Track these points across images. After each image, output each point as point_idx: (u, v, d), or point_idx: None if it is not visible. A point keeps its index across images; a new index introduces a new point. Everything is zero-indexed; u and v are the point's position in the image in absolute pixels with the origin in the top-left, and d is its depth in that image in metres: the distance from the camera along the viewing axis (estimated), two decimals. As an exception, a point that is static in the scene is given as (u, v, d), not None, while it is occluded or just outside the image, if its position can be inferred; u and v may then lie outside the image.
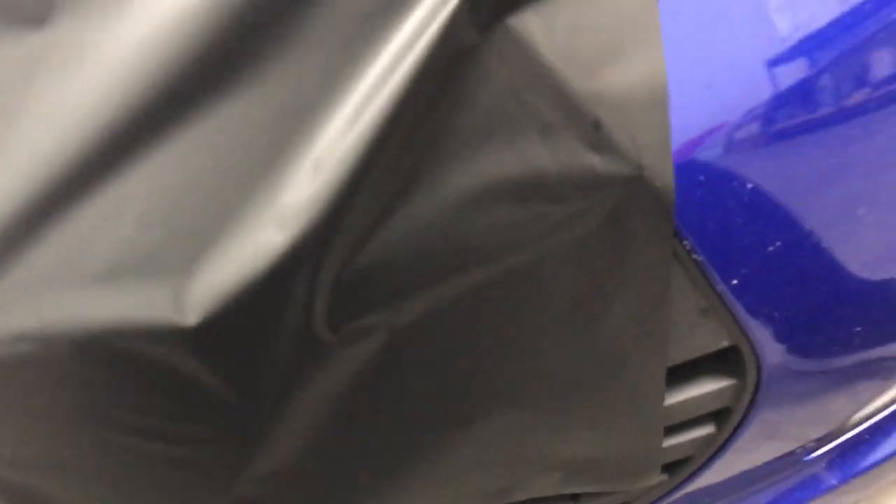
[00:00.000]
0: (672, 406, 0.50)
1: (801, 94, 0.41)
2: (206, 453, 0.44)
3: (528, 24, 0.36)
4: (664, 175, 0.38)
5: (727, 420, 0.52)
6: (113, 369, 0.40)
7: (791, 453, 0.58)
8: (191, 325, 0.38)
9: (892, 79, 0.42)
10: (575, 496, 0.57)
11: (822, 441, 0.58)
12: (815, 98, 0.41)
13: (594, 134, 0.37)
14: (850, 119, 0.42)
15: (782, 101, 0.40)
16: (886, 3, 0.40)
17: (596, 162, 0.38)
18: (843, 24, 0.40)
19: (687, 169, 0.39)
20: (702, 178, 0.40)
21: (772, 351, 0.47)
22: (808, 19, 0.40)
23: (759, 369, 0.48)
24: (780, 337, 0.46)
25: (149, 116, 0.36)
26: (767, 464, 0.59)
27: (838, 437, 0.59)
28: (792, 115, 0.41)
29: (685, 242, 0.41)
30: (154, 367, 0.40)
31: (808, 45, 0.40)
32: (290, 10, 0.36)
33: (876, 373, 0.54)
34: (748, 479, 0.61)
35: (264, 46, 0.36)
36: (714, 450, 0.54)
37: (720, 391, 0.50)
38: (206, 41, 0.36)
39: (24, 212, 0.37)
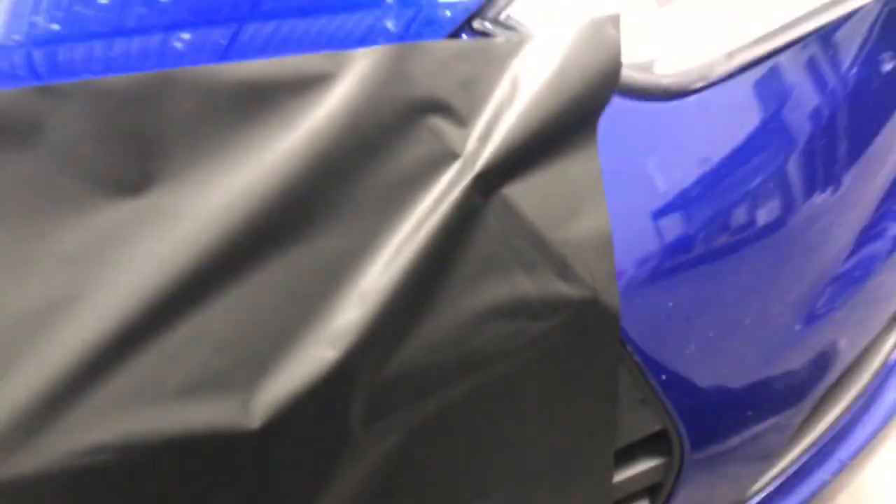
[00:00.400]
0: (616, 483, 0.62)
1: (685, 239, 0.56)
2: None
3: (515, 192, 0.51)
4: (612, 297, 0.53)
5: (659, 494, 0.65)
6: (180, 474, 0.49)
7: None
8: (255, 428, 0.47)
9: (748, 225, 0.59)
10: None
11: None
12: (693, 242, 0.57)
13: (563, 268, 0.52)
14: (725, 255, 0.59)
15: (674, 244, 0.56)
16: (742, 165, 0.58)
17: (565, 288, 0.52)
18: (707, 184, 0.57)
19: (627, 292, 0.54)
20: (637, 299, 0.54)
21: (691, 432, 0.61)
22: (680, 181, 0.56)
23: (682, 449, 0.61)
24: (696, 421, 0.61)
25: (225, 264, 0.47)
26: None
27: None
28: (682, 253, 0.56)
29: (627, 347, 0.55)
30: (217, 468, 0.49)
31: (683, 202, 0.56)
32: (335, 183, 0.49)
33: (763, 449, 0.69)
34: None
35: (318, 209, 0.49)
36: (649, 522, 0.67)
37: (654, 468, 0.63)
38: (272, 206, 0.48)
39: (119, 337, 0.46)
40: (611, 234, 0.52)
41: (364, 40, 0.48)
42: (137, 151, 0.48)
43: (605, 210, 0.52)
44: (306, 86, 0.48)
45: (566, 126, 0.51)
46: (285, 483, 0.51)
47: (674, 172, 0.56)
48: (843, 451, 0.79)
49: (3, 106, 0.46)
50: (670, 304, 0.56)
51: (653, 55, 0.55)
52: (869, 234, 0.68)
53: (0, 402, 0.44)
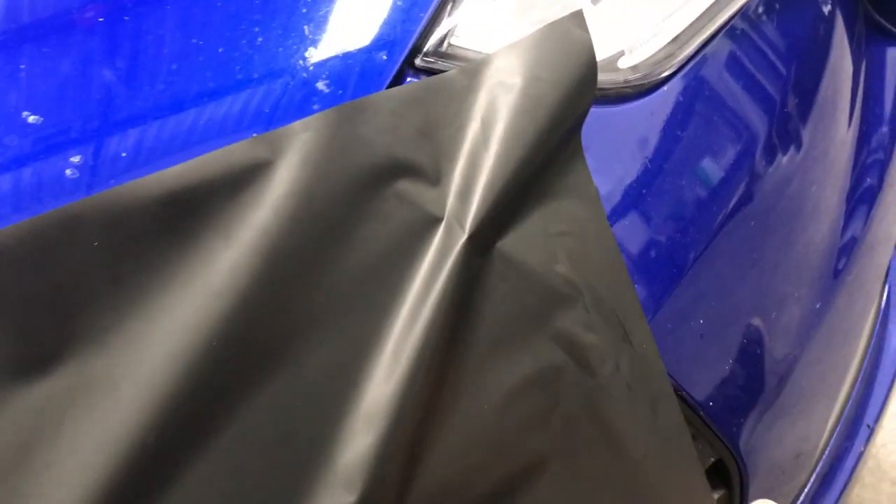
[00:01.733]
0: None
1: (694, 244, 0.49)
2: None
3: (513, 245, 0.42)
4: (645, 335, 0.45)
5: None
6: None
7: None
8: None
9: (750, 212, 0.53)
10: None
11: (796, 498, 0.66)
12: (702, 244, 0.50)
13: (587, 316, 0.44)
14: (734, 249, 0.52)
15: (684, 255, 0.49)
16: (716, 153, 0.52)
17: (595, 340, 0.44)
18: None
19: (655, 322, 0.47)
20: (665, 326, 0.47)
21: (746, 454, 0.54)
22: (676, 187, 0.50)
23: (741, 474, 0.55)
24: (749, 440, 0.54)
25: (188, 427, 0.37)
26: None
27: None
28: (697, 261, 0.49)
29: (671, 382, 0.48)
30: None
31: (685, 208, 0.50)
32: (301, 289, 0.39)
33: (810, 444, 0.63)
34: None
35: (289, 325, 0.39)
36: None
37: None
38: (229, 338, 0.38)
39: None
40: (624, 263, 0.45)
41: (299, 110, 0.39)
42: (46, 316, 0.37)
43: (611, 237, 0.45)
44: (239, 181, 0.38)
45: (550, 153, 0.43)
46: None
47: (664, 177, 0.49)
48: (868, 415, 0.74)
49: None
50: (701, 321, 0.49)
51: (611, 49, 0.48)
52: (852, 199, 0.64)
53: None
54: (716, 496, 0.56)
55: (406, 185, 0.41)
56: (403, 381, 0.39)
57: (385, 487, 0.39)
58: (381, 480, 0.38)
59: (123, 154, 0.37)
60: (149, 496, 0.36)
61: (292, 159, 0.39)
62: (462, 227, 0.40)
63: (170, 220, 0.38)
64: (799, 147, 0.58)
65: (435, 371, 0.40)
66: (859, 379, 0.73)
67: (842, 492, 0.72)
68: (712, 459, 0.53)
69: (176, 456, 0.37)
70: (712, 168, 0.51)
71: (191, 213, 0.38)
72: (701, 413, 0.50)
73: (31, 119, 0.37)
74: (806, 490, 0.70)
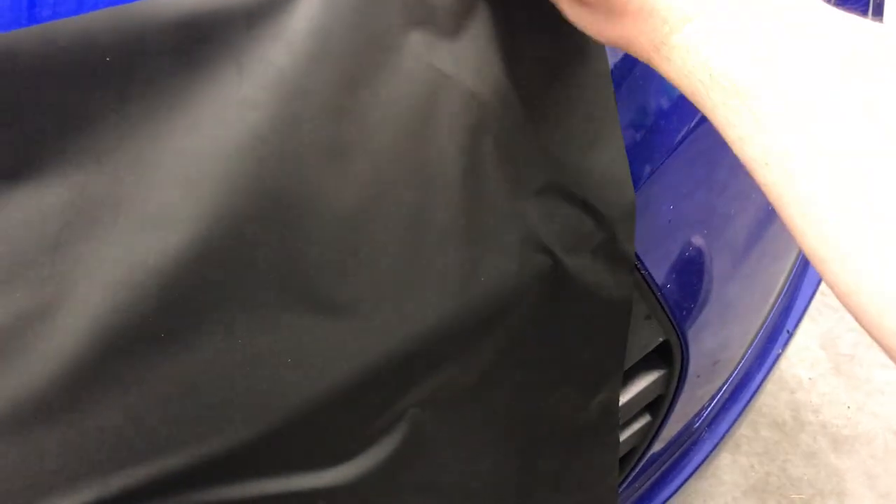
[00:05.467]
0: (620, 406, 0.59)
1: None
2: None
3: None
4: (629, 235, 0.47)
5: (661, 406, 0.62)
6: None
7: (690, 422, 0.71)
8: None
9: None
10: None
11: (708, 403, 0.71)
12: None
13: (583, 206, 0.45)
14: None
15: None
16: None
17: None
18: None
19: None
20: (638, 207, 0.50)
21: (690, 338, 0.58)
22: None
23: (683, 356, 0.59)
24: (693, 325, 0.58)
25: (199, 251, 0.37)
26: (674, 439, 0.70)
27: (714, 398, 0.73)
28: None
29: (636, 263, 0.51)
30: None
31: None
32: (325, 124, 0.39)
33: (739, 343, 0.68)
34: (660, 460, 0.72)
35: (299, 173, 0.38)
36: (651, 435, 0.64)
37: (654, 382, 0.60)
38: (248, 161, 0.37)
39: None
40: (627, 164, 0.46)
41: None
42: (48, 127, 0.36)
43: (620, 135, 0.46)
44: (255, 14, 0.38)
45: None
46: None
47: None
48: (790, 322, 0.80)
49: None
50: (671, 206, 0.51)
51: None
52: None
53: None
54: (657, 376, 0.60)
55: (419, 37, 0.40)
56: None
57: None
58: None
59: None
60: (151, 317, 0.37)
61: None
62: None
63: (182, 43, 0.37)
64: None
65: None
66: (785, 290, 0.79)
67: (758, 387, 0.78)
68: (660, 339, 0.57)
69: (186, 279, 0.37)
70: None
71: (205, 41, 0.37)
72: (657, 293, 0.53)
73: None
74: (722, 391, 0.75)
